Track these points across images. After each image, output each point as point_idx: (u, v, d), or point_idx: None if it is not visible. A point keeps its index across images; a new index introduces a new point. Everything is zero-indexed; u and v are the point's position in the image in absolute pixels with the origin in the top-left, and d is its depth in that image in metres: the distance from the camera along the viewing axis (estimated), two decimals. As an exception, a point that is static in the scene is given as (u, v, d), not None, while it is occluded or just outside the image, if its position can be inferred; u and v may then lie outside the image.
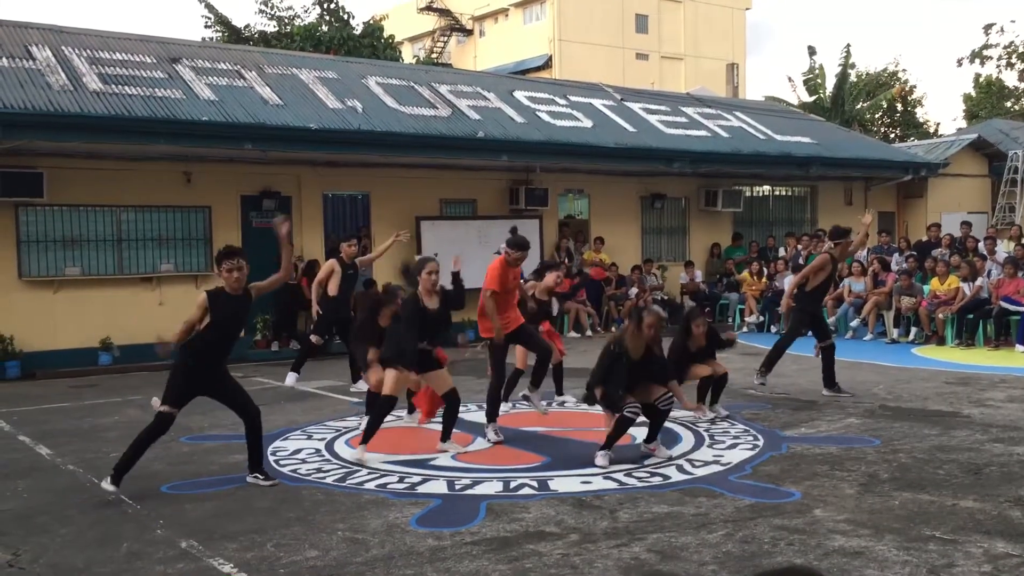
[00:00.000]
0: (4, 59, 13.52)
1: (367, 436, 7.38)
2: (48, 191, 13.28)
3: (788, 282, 16.64)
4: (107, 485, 6.33)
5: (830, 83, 36.18)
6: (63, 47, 14.49)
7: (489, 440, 7.99)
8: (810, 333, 10.21)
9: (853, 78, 36.79)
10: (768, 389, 10.07)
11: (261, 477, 6.78)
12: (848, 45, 35.54)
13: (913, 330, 15.18)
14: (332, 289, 10.77)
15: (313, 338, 10.89)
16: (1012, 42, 42.23)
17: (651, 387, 7.30)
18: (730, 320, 18.06)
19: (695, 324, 8.84)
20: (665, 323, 7.70)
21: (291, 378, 10.74)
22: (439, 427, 7.94)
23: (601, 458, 7.09)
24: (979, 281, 14.76)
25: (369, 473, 7.00)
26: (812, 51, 36.82)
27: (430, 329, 7.53)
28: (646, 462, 7.14)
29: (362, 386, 10.34)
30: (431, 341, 7.56)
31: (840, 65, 35.08)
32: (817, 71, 36.55)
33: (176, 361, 6.66)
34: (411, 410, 9.04)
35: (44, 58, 13.90)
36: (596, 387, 7.30)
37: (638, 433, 7.68)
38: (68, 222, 13.84)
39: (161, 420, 6.50)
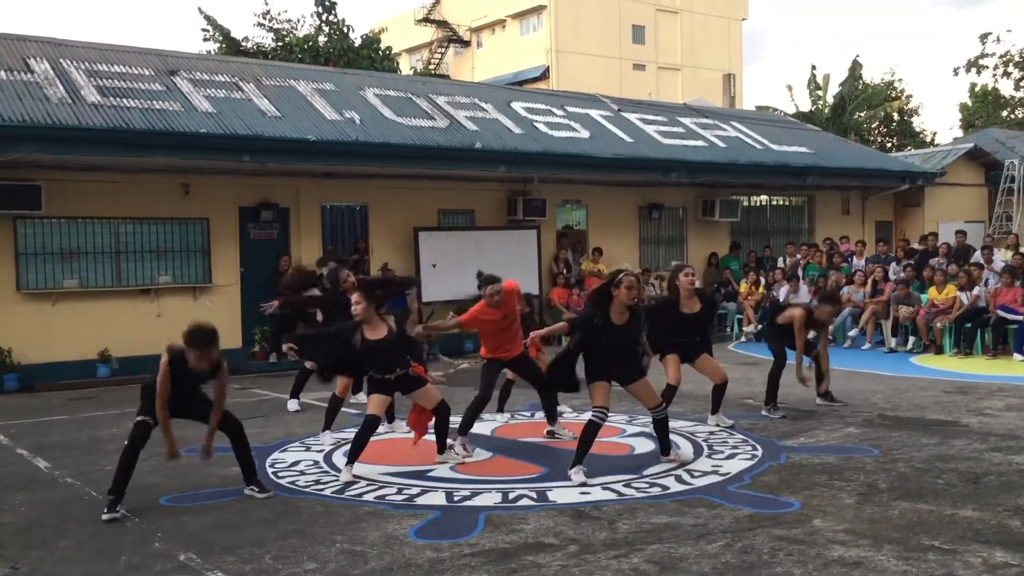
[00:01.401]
0: (2, 72, 13.55)
1: (352, 456, 7.20)
2: (46, 204, 13.28)
3: (784, 292, 16.71)
4: (106, 515, 6.17)
5: (830, 93, 36.31)
6: (61, 60, 14.52)
7: (456, 452, 7.80)
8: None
9: (860, 87, 36.96)
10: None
11: (257, 489, 6.77)
12: (857, 57, 35.57)
13: (911, 339, 15.19)
14: (320, 316, 10.79)
15: (308, 364, 10.88)
16: (1008, 51, 42.49)
17: (641, 390, 7.15)
18: (728, 330, 18.06)
19: (683, 274, 8.53)
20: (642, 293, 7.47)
21: (292, 404, 10.75)
22: (440, 437, 7.93)
23: (576, 474, 6.86)
24: (976, 290, 14.78)
25: (368, 485, 6.99)
26: (813, 66, 37.04)
27: (387, 360, 7.20)
28: (644, 472, 7.13)
29: (361, 397, 10.35)
30: (398, 365, 7.21)
31: (847, 76, 35.19)
32: (820, 82, 36.68)
33: (150, 381, 6.60)
34: (389, 419, 8.98)
35: (42, 71, 13.93)
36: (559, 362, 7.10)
37: (637, 444, 7.69)
38: (66, 234, 13.83)
39: (138, 429, 6.45)
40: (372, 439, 8.64)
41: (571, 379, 7.21)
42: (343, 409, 9.26)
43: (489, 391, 8.26)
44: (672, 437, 8.31)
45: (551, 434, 8.61)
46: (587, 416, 7.05)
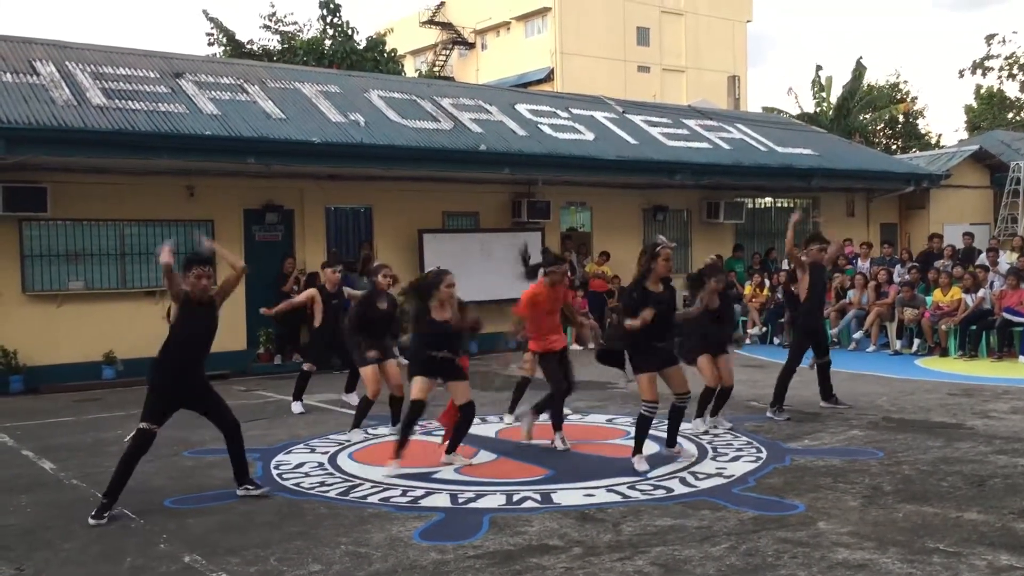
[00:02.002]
0: (8, 74, 13.59)
1: (400, 446, 7.38)
2: (52, 206, 13.32)
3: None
4: (93, 521, 6.17)
5: (834, 95, 36.27)
6: (67, 62, 14.55)
7: (556, 447, 8.11)
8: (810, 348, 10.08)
9: (864, 88, 36.92)
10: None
11: (251, 487, 6.78)
12: (860, 58, 35.55)
13: (916, 341, 15.17)
14: (317, 320, 10.83)
15: (306, 366, 10.94)
16: (1014, 53, 42.43)
17: (677, 376, 7.47)
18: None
19: (715, 280, 8.81)
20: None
21: (296, 407, 10.78)
22: (441, 439, 7.94)
23: (639, 463, 7.25)
24: (982, 292, 14.75)
25: (372, 487, 7.00)
26: (818, 69, 37.03)
27: (444, 338, 7.45)
28: (649, 475, 7.13)
29: (353, 398, 10.36)
30: (451, 349, 7.47)
31: (851, 77, 35.15)
32: (824, 83, 36.65)
33: (150, 381, 6.65)
34: (394, 421, 8.99)
35: (48, 73, 13.97)
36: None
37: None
38: (72, 236, 13.87)
39: (142, 437, 6.45)
40: (377, 441, 8.67)
41: (619, 356, 7.60)
42: (350, 412, 9.28)
43: (560, 381, 8.32)
44: (678, 439, 8.33)
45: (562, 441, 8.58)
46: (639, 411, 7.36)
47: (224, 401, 6.87)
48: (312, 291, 11.01)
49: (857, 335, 15.89)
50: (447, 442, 7.79)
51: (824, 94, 36.90)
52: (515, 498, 6.56)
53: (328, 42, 29.38)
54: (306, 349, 12.23)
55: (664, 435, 7.83)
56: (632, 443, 7.50)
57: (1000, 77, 42.97)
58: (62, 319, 13.67)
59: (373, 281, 9.03)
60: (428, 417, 9.50)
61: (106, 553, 5.58)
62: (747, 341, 17.14)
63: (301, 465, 7.85)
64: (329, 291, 10.88)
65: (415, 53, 49.29)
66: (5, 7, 73.06)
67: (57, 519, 6.33)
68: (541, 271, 8.47)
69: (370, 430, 9.10)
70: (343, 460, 8.00)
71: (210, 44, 29.66)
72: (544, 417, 8.44)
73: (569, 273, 17.50)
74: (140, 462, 6.54)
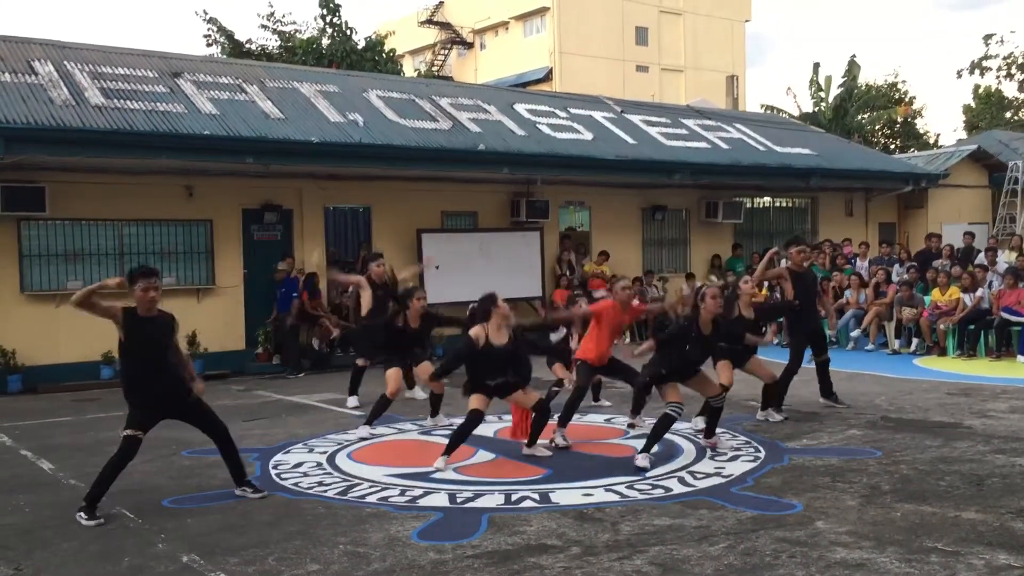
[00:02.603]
0: (7, 74, 13.58)
1: (451, 448, 7.54)
2: (50, 205, 13.31)
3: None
4: (84, 521, 6.16)
5: (832, 95, 36.29)
6: (65, 62, 14.55)
7: (556, 444, 8.19)
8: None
9: (861, 87, 36.92)
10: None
11: (250, 490, 6.78)
12: (853, 56, 35.54)
13: (914, 341, 15.18)
14: (364, 309, 10.77)
15: (359, 361, 10.94)
16: (1012, 53, 42.45)
17: (706, 382, 7.83)
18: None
19: (743, 281, 9.24)
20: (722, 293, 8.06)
21: (352, 401, 10.81)
22: (442, 440, 7.96)
23: (642, 459, 7.32)
24: (980, 292, 14.76)
25: (370, 486, 7.00)
26: (816, 67, 36.98)
27: (500, 366, 7.65)
28: (647, 474, 7.13)
29: (419, 393, 10.46)
30: (506, 375, 7.67)
31: (844, 77, 35.17)
32: (822, 83, 36.66)
33: (124, 389, 6.63)
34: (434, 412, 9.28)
35: (46, 73, 13.96)
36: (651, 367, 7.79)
37: (640, 446, 7.68)
38: (70, 236, 13.87)
39: (128, 444, 6.42)
40: (376, 441, 8.69)
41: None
42: (350, 412, 9.28)
43: (584, 385, 8.52)
44: (675, 439, 8.34)
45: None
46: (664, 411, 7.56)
47: (208, 407, 6.81)
48: (361, 278, 11.02)
49: (855, 334, 15.90)
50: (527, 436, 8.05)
51: (823, 94, 36.90)
52: (513, 498, 6.57)
53: (327, 42, 29.35)
54: (357, 343, 12.20)
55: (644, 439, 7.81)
56: (629, 444, 7.51)
57: (998, 77, 43.02)
58: (61, 319, 13.64)
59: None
60: (423, 415, 9.54)
61: (104, 553, 5.58)
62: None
63: (299, 465, 7.86)
64: (375, 282, 10.83)
65: (414, 53, 49.26)
66: (3, 7, 73.06)
67: (55, 519, 6.33)
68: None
69: (371, 430, 9.10)
70: (342, 460, 8.00)
71: (208, 44, 29.64)
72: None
73: (568, 273, 17.65)
74: (139, 461, 6.54)
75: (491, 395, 7.66)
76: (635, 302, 8.84)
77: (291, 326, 14.56)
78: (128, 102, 13.71)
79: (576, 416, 9.57)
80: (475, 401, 7.57)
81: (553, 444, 8.18)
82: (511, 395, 7.80)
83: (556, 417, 8.30)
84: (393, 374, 9.08)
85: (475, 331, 7.54)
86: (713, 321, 7.76)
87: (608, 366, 8.59)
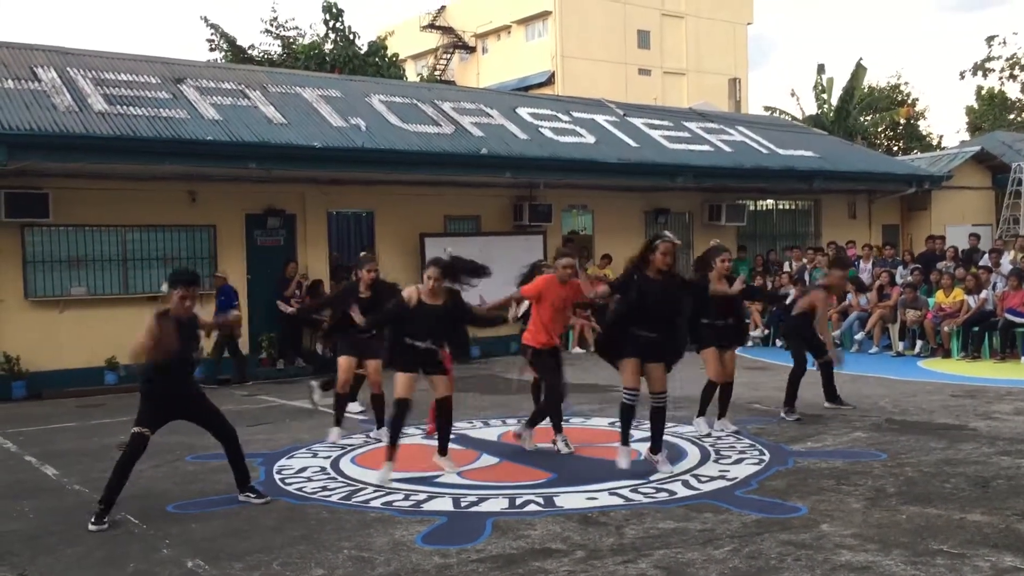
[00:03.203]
0: (10, 81, 13.62)
1: (392, 448, 7.31)
2: (54, 211, 13.34)
3: (791, 296, 16.69)
4: (91, 525, 6.17)
5: (835, 97, 36.25)
6: (68, 68, 14.58)
7: (559, 450, 8.08)
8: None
9: (865, 90, 36.89)
10: (772, 404, 10.05)
11: (252, 495, 6.78)
12: (860, 59, 35.53)
13: (918, 343, 15.15)
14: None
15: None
16: (1015, 54, 42.41)
17: (651, 371, 7.19)
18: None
19: (720, 259, 8.70)
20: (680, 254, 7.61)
21: (354, 406, 10.49)
22: (453, 445, 7.94)
23: (663, 463, 7.22)
24: (984, 294, 14.73)
25: (375, 491, 7.00)
26: (821, 68, 36.98)
27: (429, 327, 7.27)
28: (651, 478, 7.12)
29: (355, 407, 10.32)
30: (434, 340, 7.33)
31: (851, 78, 35.13)
32: (825, 85, 36.64)
33: (141, 388, 6.64)
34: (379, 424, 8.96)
35: (49, 79, 13.99)
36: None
37: (644, 449, 7.67)
38: (74, 242, 13.89)
39: (136, 441, 6.45)
40: (380, 445, 8.67)
41: (615, 352, 7.35)
42: (354, 417, 9.26)
43: (560, 378, 8.21)
44: (679, 442, 8.33)
45: (518, 436, 8.45)
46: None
47: (218, 409, 6.83)
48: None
49: (859, 336, 15.87)
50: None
51: (825, 96, 36.88)
52: (518, 502, 6.56)
53: (329, 47, 29.41)
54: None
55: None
56: (632, 447, 7.48)
57: (1001, 78, 42.98)
58: (64, 325, 13.68)
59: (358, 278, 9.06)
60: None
61: (109, 558, 5.58)
62: (749, 344, 17.12)
63: (304, 470, 7.85)
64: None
65: (416, 57, 49.31)
66: (6, 13, 73.23)
67: (60, 525, 6.33)
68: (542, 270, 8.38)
69: (371, 435, 9.09)
70: (345, 464, 8.00)
71: (211, 50, 29.72)
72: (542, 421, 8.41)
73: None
74: (145, 467, 6.55)
75: (415, 368, 7.28)
76: (583, 282, 8.03)
77: (228, 336, 14.03)
78: (131, 108, 13.74)
79: (579, 420, 9.60)
80: (401, 388, 7.21)
81: (556, 449, 8.16)
82: (432, 375, 7.41)
83: (546, 424, 8.26)
84: (344, 363, 8.83)
85: (409, 291, 7.34)
86: (662, 275, 7.15)
87: (549, 352, 8.17)
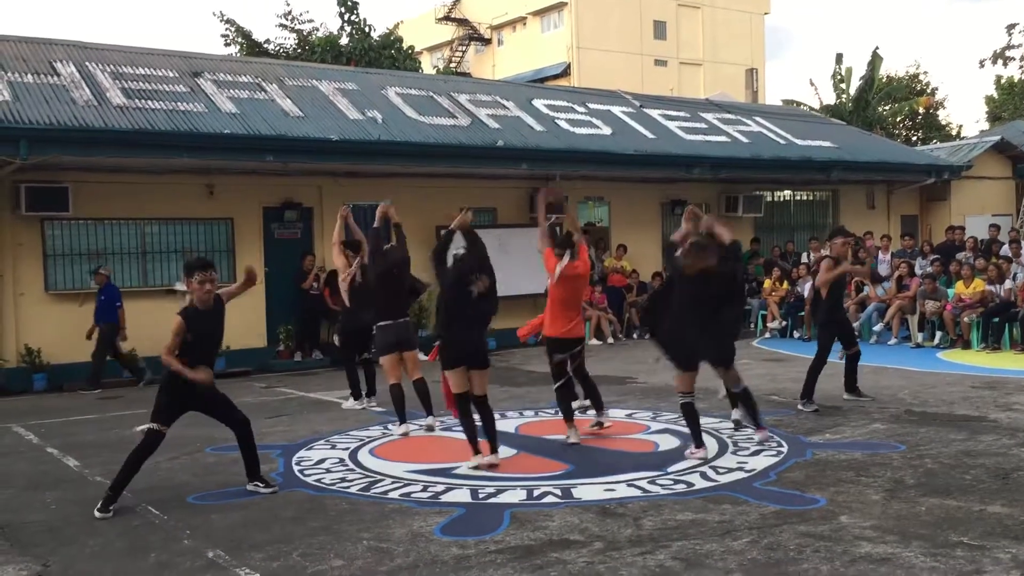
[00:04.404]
0: (29, 75, 13.70)
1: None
2: (73, 205, 13.43)
3: (808, 288, 16.66)
4: (99, 513, 6.27)
5: (853, 87, 36.03)
6: (87, 63, 14.66)
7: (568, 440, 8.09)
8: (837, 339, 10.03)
9: (882, 79, 36.65)
10: (790, 396, 10.02)
11: (261, 484, 6.82)
12: (876, 48, 35.31)
13: (938, 334, 15.05)
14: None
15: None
16: (1034, 42, 41.90)
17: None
18: (752, 326, 17.96)
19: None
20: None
21: (369, 401, 10.70)
22: (462, 437, 7.94)
23: (692, 453, 7.30)
24: (1008, 284, 14.61)
25: (393, 482, 7.02)
26: (839, 58, 36.71)
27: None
28: (669, 469, 7.11)
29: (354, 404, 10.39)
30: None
31: (868, 68, 34.91)
32: (843, 74, 36.41)
33: (161, 380, 6.71)
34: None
35: (68, 74, 14.07)
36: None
37: (661, 441, 7.67)
38: (93, 235, 13.99)
39: (150, 438, 6.51)
40: (397, 438, 8.69)
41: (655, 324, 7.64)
42: (371, 408, 9.28)
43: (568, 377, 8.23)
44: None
45: (599, 425, 8.61)
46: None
47: (230, 399, 6.87)
48: None
49: (878, 328, 15.79)
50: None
51: (844, 86, 36.65)
52: (535, 493, 6.57)
53: (345, 40, 29.43)
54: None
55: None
56: (650, 439, 7.48)
57: (1021, 67, 42.50)
58: (84, 318, 13.76)
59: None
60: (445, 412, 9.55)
61: (131, 549, 5.63)
62: (766, 335, 17.07)
63: (322, 461, 7.89)
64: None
65: (431, 49, 49.30)
66: (25, 9, 73.63)
67: (82, 515, 6.39)
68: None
69: (390, 426, 9.13)
70: (364, 456, 8.03)
71: (227, 44, 29.78)
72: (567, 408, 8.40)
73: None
74: (164, 458, 6.60)
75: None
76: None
77: (108, 340, 13.44)
78: (149, 102, 13.81)
79: (594, 412, 9.56)
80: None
81: (568, 440, 8.12)
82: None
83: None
84: (387, 363, 9.00)
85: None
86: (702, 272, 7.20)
87: (577, 342, 8.08)
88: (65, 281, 13.81)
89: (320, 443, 8.68)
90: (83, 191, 13.58)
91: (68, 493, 7.09)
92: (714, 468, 7.15)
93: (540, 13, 46.92)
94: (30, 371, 13.27)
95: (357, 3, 29.92)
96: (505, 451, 8.01)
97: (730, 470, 7.06)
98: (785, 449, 7.70)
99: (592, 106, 19.27)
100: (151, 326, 13.92)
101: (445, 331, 7.30)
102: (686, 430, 7.73)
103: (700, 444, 7.43)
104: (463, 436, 7.55)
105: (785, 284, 17.67)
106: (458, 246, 7.54)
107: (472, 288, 7.13)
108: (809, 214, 21.79)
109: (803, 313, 16.25)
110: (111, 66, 14.78)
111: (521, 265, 16.01)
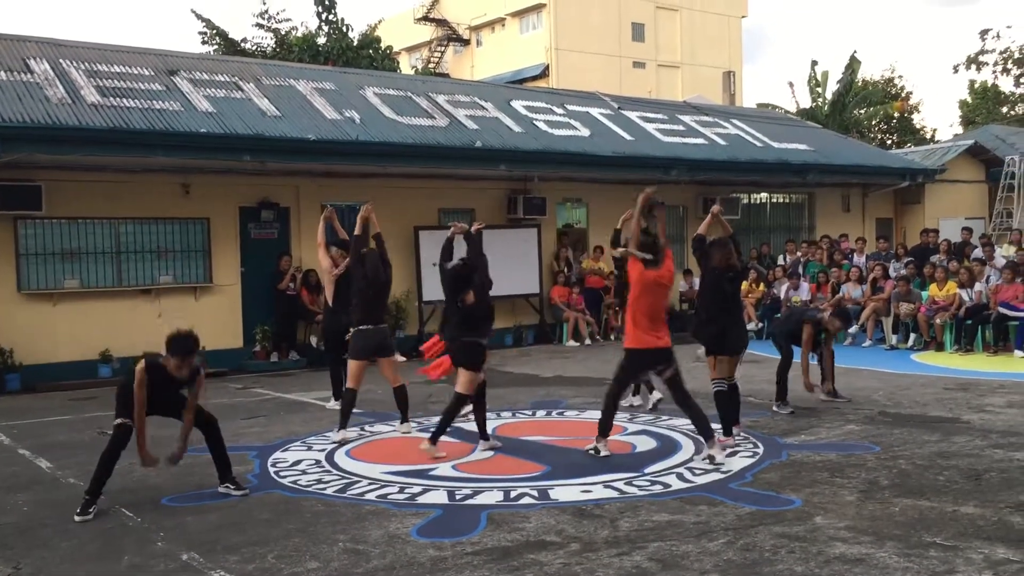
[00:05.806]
0: (2, 72, 13.54)
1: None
2: (46, 204, 13.28)
3: (784, 289, 16.78)
4: (79, 517, 6.21)
5: (830, 91, 36.30)
6: (61, 60, 14.51)
7: (592, 452, 7.75)
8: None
9: (859, 83, 36.96)
10: (766, 397, 10.08)
11: (232, 487, 6.77)
12: (855, 52, 35.61)
13: (912, 336, 15.18)
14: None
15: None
16: (1008, 48, 42.50)
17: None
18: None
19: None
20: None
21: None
22: (448, 438, 7.94)
23: (718, 453, 7.27)
24: (979, 287, 14.77)
25: (370, 484, 7.00)
26: (814, 64, 37.00)
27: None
28: (646, 470, 7.13)
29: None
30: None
31: (846, 72, 35.16)
32: (819, 79, 36.67)
33: (122, 380, 6.66)
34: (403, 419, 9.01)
35: (42, 71, 13.93)
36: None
37: (638, 442, 7.68)
38: (67, 235, 13.84)
39: (120, 432, 6.46)
40: (374, 439, 8.68)
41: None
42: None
43: (624, 381, 8.04)
44: (673, 435, 8.35)
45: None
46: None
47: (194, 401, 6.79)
48: None
49: (853, 330, 15.88)
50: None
51: (820, 89, 36.92)
52: (512, 494, 6.56)
53: (323, 39, 29.32)
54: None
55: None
56: (627, 440, 7.49)
57: (994, 72, 43.06)
58: (58, 318, 13.64)
59: None
60: (426, 413, 9.53)
61: (104, 551, 5.57)
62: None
63: (298, 462, 7.85)
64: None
65: (410, 50, 49.19)
66: (-2, 5, 72.76)
67: (54, 517, 6.32)
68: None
69: (367, 427, 9.10)
70: (340, 457, 8.00)
71: (204, 42, 29.60)
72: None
73: (565, 270, 17.63)
74: (139, 461, 6.54)
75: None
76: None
77: None
78: (124, 100, 13.69)
79: (574, 413, 9.60)
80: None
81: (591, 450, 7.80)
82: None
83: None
84: (353, 367, 8.92)
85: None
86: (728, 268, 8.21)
87: (667, 353, 7.49)
88: (38, 281, 13.65)
89: (296, 444, 8.63)
90: (57, 190, 13.44)
91: (40, 495, 7.02)
92: (690, 469, 7.18)
93: (519, 14, 46.93)
94: (3, 371, 13.11)
95: (335, 2, 29.83)
96: (482, 452, 8.02)
97: (706, 471, 7.09)
98: (761, 450, 7.74)
99: (570, 107, 19.30)
100: (125, 327, 13.85)
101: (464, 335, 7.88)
102: (663, 431, 7.76)
103: (728, 432, 7.77)
104: (442, 438, 7.53)
105: (762, 286, 17.77)
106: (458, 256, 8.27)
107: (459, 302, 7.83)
108: (785, 216, 21.93)
109: (778, 315, 16.32)
110: (86, 64, 14.63)
111: (500, 266, 15.98)
